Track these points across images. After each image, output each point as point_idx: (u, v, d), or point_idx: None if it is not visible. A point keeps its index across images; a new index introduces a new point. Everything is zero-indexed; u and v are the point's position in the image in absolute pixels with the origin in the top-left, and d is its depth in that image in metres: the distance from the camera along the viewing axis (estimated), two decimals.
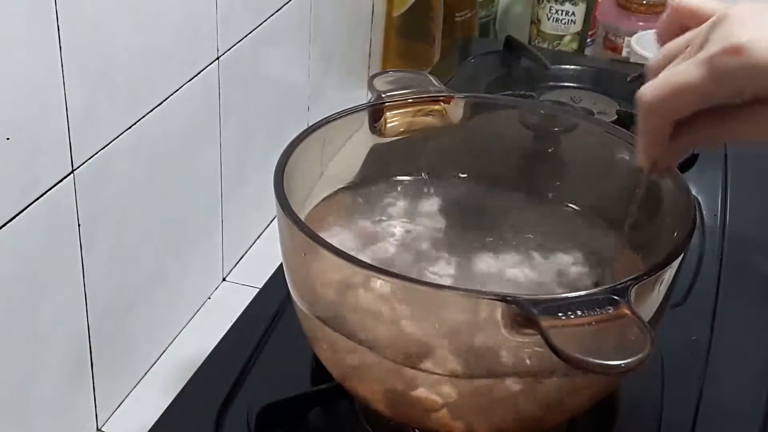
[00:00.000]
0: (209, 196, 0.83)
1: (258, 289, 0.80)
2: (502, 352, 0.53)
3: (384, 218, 0.68)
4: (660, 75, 0.50)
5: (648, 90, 0.50)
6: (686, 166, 0.93)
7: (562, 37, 1.25)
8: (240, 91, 0.84)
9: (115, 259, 0.70)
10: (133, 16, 0.66)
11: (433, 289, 0.54)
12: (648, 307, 0.54)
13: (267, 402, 0.65)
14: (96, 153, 0.65)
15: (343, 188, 0.70)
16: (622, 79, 1.03)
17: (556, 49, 1.25)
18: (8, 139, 0.56)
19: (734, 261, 0.83)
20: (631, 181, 0.66)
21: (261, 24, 0.85)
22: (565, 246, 0.66)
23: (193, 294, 0.84)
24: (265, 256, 0.91)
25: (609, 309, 0.48)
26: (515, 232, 0.67)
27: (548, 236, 0.66)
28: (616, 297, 0.49)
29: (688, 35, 0.51)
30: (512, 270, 0.64)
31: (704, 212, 0.89)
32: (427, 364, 0.54)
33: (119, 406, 0.75)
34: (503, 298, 0.50)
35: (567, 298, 0.49)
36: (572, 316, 0.48)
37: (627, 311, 0.48)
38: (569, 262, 0.64)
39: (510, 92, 1.03)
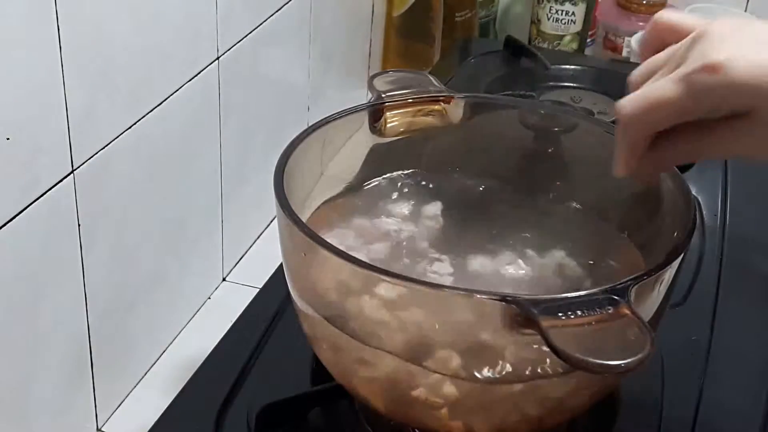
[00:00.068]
0: (209, 196, 0.83)
1: (258, 289, 0.80)
2: (502, 352, 0.53)
3: (384, 218, 0.68)
4: (639, 89, 0.51)
5: (626, 103, 0.51)
6: (686, 166, 0.93)
7: (562, 37, 1.25)
8: (240, 91, 0.84)
9: (115, 259, 0.70)
10: (133, 16, 0.66)
11: (433, 289, 0.54)
12: (648, 307, 0.54)
13: (267, 402, 0.65)
14: (96, 153, 0.65)
15: (343, 188, 0.70)
16: (622, 79, 1.02)
17: (556, 49, 1.25)
18: (8, 139, 0.56)
19: (734, 261, 0.83)
20: (630, 181, 0.66)
21: (261, 24, 0.85)
22: (565, 246, 0.66)
23: (193, 294, 0.84)
24: (265, 256, 0.91)
25: (609, 309, 0.48)
26: (515, 232, 0.67)
27: (548, 236, 0.66)
28: (616, 297, 0.49)
29: (668, 51, 0.52)
30: (512, 270, 0.64)
31: (704, 212, 0.89)
32: (427, 364, 0.54)
33: (119, 406, 0.75)
34: (503, 298, 0.50)
35: (567, 298, 0.49)
36: (572, 316, 0.48)
37: (627, 311, 0.48)
38: (569, 262, 0.64)
39: (510, 92, 1.03)
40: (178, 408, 0.68)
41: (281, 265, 0.62)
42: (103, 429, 0.73)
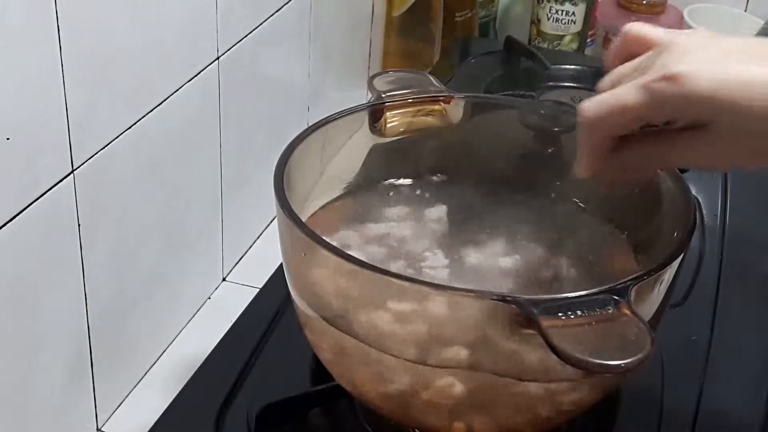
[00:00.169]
0: (209, 196, 0.83)
1: (258, 289, 0.80)
2: (502, 352, 0.53)
3: (384, 218, 0.68)
4: (602, 94, 0.52)
5: (589, 106, 0.53)
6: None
7: (562, 37, 1.25)
8: (240, 91, 0.84)
9: (115, 259, 0.70)
10: (133, 16, 0.66)
11: (433, 289, 0.54)
12: (648, 307, 0.54)
13: (267, 402, 0.65)
14: (96, 153, 0.65)
15: (343, 188, 0.70)
16: None
17: (556, 49, 1.25)
18: (8, 139, 0.56)
19: (734, 261, 0.83)
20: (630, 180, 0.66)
21: (261, 24, 0.85)
22: (566, 246, 0.66)
23: (193, 294, 0.84)
24: (265, 256, 0.91)
25: (609, 309, 0.48)
26: (515, 233, 0.67)
27: (548, 236, 0.66)
28: (616, 297, 0.49)
29: (635, 60, 0.53)
30: (512, 270, 0.64)
31: (704, 212, 0.89)
32: (427, 364, 0.54)
33: (119, 406, 0.75)
34: (503, 298, 0.50)
35: (567, 298, 0.49)
36: (572, 316, 0.48)
37: (627, 311, 0.48)
38: (569, 262, 0.64)
39: (510, 92, 1.03)
40: (178, 408, 0.68)
41: (281, 265, 0.62)
42: (103, 429, 0.73)
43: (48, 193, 0.61)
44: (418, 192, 0.71)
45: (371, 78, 0.71)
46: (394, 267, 0.63)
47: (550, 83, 1.08)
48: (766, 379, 0.71)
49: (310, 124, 0.66)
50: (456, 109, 0.70)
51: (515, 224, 0.67)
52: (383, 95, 0.69)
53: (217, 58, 0.79)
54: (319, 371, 0.64)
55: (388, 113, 0.68)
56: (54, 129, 0.61)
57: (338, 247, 0.56)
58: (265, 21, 0.86)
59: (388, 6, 1.17)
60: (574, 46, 1.25)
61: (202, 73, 0.77)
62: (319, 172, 0.68)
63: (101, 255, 0.68)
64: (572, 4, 1.23)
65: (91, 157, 0.65)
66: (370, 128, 0.69)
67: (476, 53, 1.19)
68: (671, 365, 0.70)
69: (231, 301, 0.83)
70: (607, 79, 0.54)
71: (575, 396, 0.57)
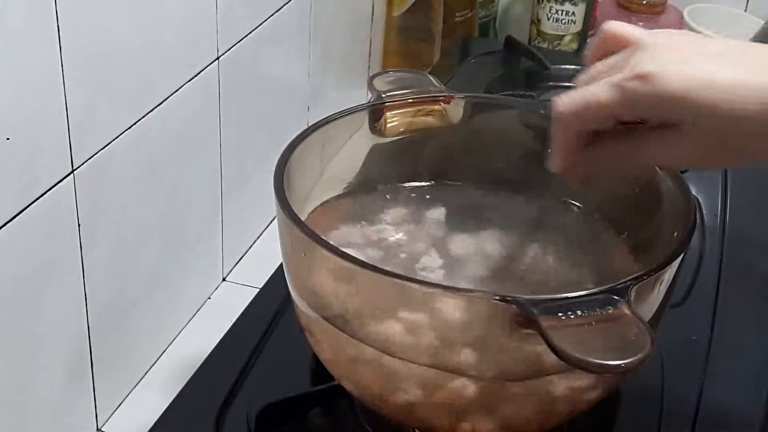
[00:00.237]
0: (209, 196, 0.83)
1: (258, 289, 0.80)
2: (502, 352, 0.53)
3: (384, 218, 0.68)
4: (577, 90, 0.54)
5: (562, 101, 0.54)
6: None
7: (562, 37, 1.25)
8: (240, 91, 0.84)
9: (115, 259, 0.70)
10: (133, 16, 0.66)
11: (433, 289, 0.54)
12: (648, 307, 0.54)
13: (267, 402, 0.65)
14: (96, 153, 0.65)
15: (343, 188, 0.70)
16: None
17: (556, 49, 1.25)
18: (8, 139, 0.56)
19: (734, 261, 0.83)
20: (630, 180, 0.66)
21: (261, 24, 0.85)
22: (565, 246, 0.66)
23: (193, 294, 0.84)
24: (265, 256, 0.91)
25: (609, 309, 0.48)
26: (515, 233, 0.67)
27: (548, 236, 0.66)
28: (616, 297, 0.49)
29: (612, 58, 0.54)
30: (512, 269, 0.64)
31: (704, 212, 0.89)
32: (427, 364, 0.54)
33: (119, 406, 0.75)
34: (503, 298, 0.50)
35: (567, 298, 0.49)
36: (572, 316, 0.48)
37: (627, 311, 0.48)
38: (569, 262, 0.64)
39: (510, 92, 1.03)
40: (178, 408, 0.68)
41: (281, 265, 0.62)
42: (103, 429, 0.73)
43: (48, 193, 0.61)
44: (417, 192, 0.71)
45: (371, 78, 0.71)
46: (395, 267, 0.63)
47: (550, 83, 1.08)
48: (766, 379, 0.71)
49: (310, 124, 0.66)
50: (456, 109, 0.70)
51: (515, 224, 0.67)
52: (383, 95, 0.69)
53: (217, 58, 0.79)
54: (319, 371, 0.64)
55: (388, 113, 0.68)
56: (54, 129, 0.61)
57: (338, 247, 0.56)
58: (265, 21, 0.86)
59: (388, 6, 1.17)
60: (574, 46, 1.25)
61: (202, 73, 0.77)
62: (319, 172, 0.68)
63: (101, 255, 0.68)
64: (572, 4, 1.23)
65: (91, 157, 0.65)
66: (370, 128, 0.69)
67: (476, 53, 1.19)
68: (671, 365, 0.70)
69: (231, 301, 0.83)
70: (584, 76, 0.55)
71: (575, 396, 0.57)
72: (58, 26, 0.58)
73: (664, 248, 0.57)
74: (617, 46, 0.54)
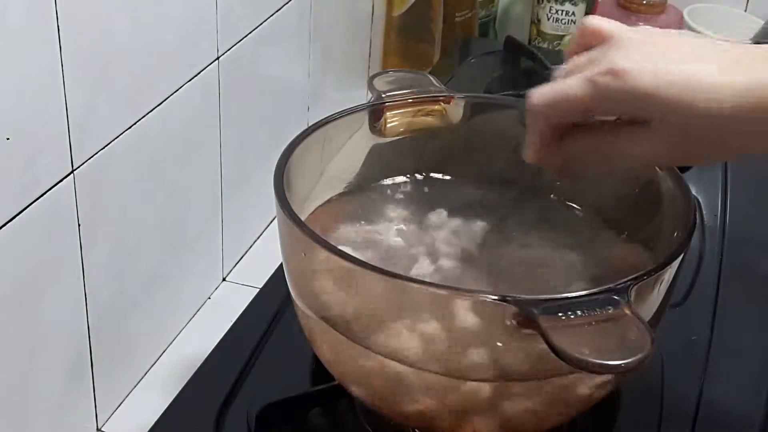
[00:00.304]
0: (209, 196, 0.83)
1: (258, 289, 0.80)
2: (502, 352, 0.53)
3: (384, 218, 0.68)
4: (551, 83, 0.55)
5: (536, 94, 0.55)
6: (686, 166, 0.93)
7: (562, 37, 1.25)
8: (240, 91, 0.84)
9: (115, 259, 0.70)
10: (133, 16, 0.66)
11: (433, 289, 0.54)
12: (648, 307, 0.54)
13: (267, 402, 0.65)
14: (96, 153, 0.65)
15: (343, 188, 0.70)
16: None
17: (556, 49, 1.25)
18: (8, 139, 0.56)
19: (734, 261, 0.83)
20: (630, 180, 0.66)
21: (261, 24, 0.85)
22: (565, 246, 0.66)
23: (193, 294, 0.84)
24: (265, 256, 0.91)
25: (609, 309, 0.48)
26: (515, 233, 0.67)
27: (548, 236, 0.66)
28: (616, 297, 0.49)
29: (590, 53, 0.54)
30: (512, 270, 0.64)
31: (704, 212, 0.89)
32: (427, 365, 0.54)
33: (119, 406, 0.75)
34: (503, 298, 0.50)
35: (567, 298, 0.49)
36: (572, 316, 0.48)
37: (627, 311, 0.48)
38: (569, 262, 0.64)
39: (510, 92, 1.03)
40: (178, 408, 0.68)
41: (281, 265, 0.62)
42: (103, 429, 0.73)
43: (48, 193, 0.61)
44: (417, 192, 0.71)
45: (371, 78, 0.71)
46: (395, 267, 0.63)
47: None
48: (766, 379, 0.71)
49: (310, 124, 0.66)
50: (456, 109, 0.70)
51: (515, 224, 0.67)
52: (383, 95, 0.69)
53: (217, 58, 0.79)
54: (319, 371, 0.64)
55: (388, 113, 0.68)
56: (54, 129, 0.61)
57: (338, 247, 0.56)
58: (265, 21, 0.86)
59: (388, 6, 1.17)
60: None
61: (202, 73, 0.77)
62: (319, 172, 0.68)
63: (101, 255, 0.68)
64: (572, 4, 1.23)
65: (91, 157, 0.65)
66: (370, 128, 0.69)
67: (476, 53, 1.19)
68: (671, 365, 0.70)
69: (231, 301, 0.83)
70: (560, 70, 0.56)
71: (575, 396, 0.57)
72: (58, 26, 0.58)
73: (664, 248, 0.57)
74: (595, 40, 0.55)
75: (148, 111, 0.70)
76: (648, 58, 0.51)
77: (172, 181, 0.76)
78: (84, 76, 0.62)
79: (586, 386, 0.56)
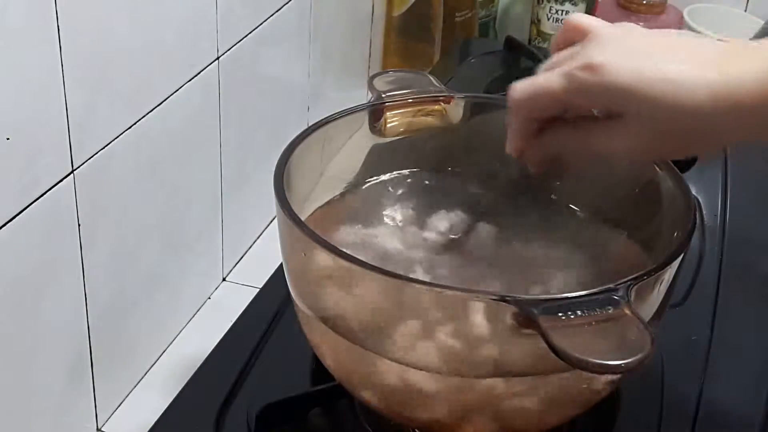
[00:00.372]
0: (209, 196, 0.83)
1: (258, 289, 0.80)
2: (502, 352, 0.53)
3: (384, 218, 0.68)
4: (531, 78, 0.56)
5: (516, 88, 0.56)
6: (686, 166, 0.93)
7: None
8: (240, 91, 0.84)
9: (115, 259, 0.70)
10: (133, 16, 0.66)
11: (433, 289, 0.54)
12: (648, 307, 0.54)
13: (267, 402, 0.65)
14: (96, 153, 0.65)
15: (343, 188, 0.70)
16: None
17: None
18: (8, 139, 0.56)
19: (734, 261, 0.83)
20: (631, 179, 0.66)
21: (261, 24, 0.85)
22: (566, 246, 0.66)
23: (193, 294, 0.84)
24: (265, 256, 0.91)
25: (609, 309, 0.48)
26: (515, 233, 0.67)
27: (548, 236, 0.66)
28: (616, 297, 0.49)
29: (572, 49, 0.56)
30: (512, 270, 0.64)
31: (704, 212, 0.89)
32: (427, 365, 0.54)
33: (119, 406, 0.75)
34: (503, 298, 0.50)
35: (567, 298, 0.49)
36: (572, 316, 0.48)
37: (627, 311, 0.48)
38: (569, 262, 0.64)
39: None
40: (178, 408, 0.68)
41: (281, 265, 0.62)
42: (103, 429, 0.73)
43: (48, 193, 0.61)
44: (417, 192, 0.71)
45: (371, 78, 0.71)
46: (395, 267, 0.63)
47: None
48: (766, 379, 0.71)
49: (310, 124, 0.66)
50: (456, 109, 0.70)
51: (515, 224, 0.67)
52: (383, 95, 0.69)
53: (217, 58, 0.79)
54: (319, 371, 0.64)
55: (388, 113, 0.68)
56: (54, 129, 0.61)
57: (338, 247, 0.56)
58: (265, 21, 0.86)
59: (388, 6, 1.17)
60: None
61: (202, 73, 0.77)
62: (319, 172, 0.68)
63: (101, 255, 0.68)
64: (572, 4, 1.23)
65: (91, 157, 0.65)
66: (370, 128, 0.69)
67: (476, 53, 1.19)
68: (671, 365, 0.70)
69: (231, 301, 0.83)
70: (544, 65, 0.57)
71: (575, 396, 0.57)
72: (58, 26, 0.58)
73: (664, 248, 0.57)
74: (578, 36, 0.56)
75: (148, 111, 0.70)
76: (625, 53, 0.52)
77: (172, 181, 0.76)
78: (84, 76, 0.62)
79: (586, 386, 0.57)
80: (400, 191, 0.70)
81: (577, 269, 0.64)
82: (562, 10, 1.23)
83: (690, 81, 0.50)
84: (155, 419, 0.67)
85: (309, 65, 0.98)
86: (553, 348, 0.46)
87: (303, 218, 0.60)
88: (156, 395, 0.74)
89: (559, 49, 0.57)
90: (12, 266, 0.59)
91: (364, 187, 0.70)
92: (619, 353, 0.46)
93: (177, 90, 0.74)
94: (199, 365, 0.72)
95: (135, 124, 0.69)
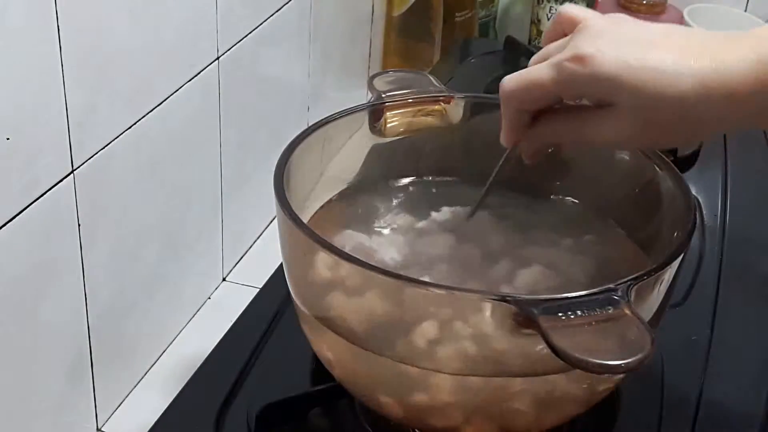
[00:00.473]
0: (209, 196, 0.83)
1: (258, 289, 0.80)
2: (502, 352, 0.53)
3: (383, 218, 0.68)
4: (522, 70, 0.57)
5: (507, 81, 0.57)
6: (686, 166, 0.93)
7: None
8: (240, 91, 0.84)
9: (115, 259, 0.70)
10: (133, 16, 0.66)
11: (433, 289, 0.54)
12: (648, 307, 0.54)
13: (267, 402, 0.65)
14: (96, 153, 0.65)
15: (343, 188, 0.70)
16: None
17: None
18: (8, 139, 0.56)
19: (734, 261, 0.83)
20: (631, 179, 0.66)
21: (261, 24, 0.85)
22: (566, 245, 0.66)
23: (193, 294, 0.84)
24: (265, 256, 0.91)
25: (609, 309, 0.48)
26: (515, 233, 0.67)
27: (548, 236, 0.66)
28: (616, 297, 0.49)
29: (561, 40, 0.56)
30: (512, 270, 0.64)
31: (704, 212, 0.89)
32: (427, 365, 0.54)
33: (119, 406, 0.75)
34: (503, 298, 0.50)
35: (567, 298, 0.49)
36: (572, 316, 0.48)
37: (627, 311, 0.48)
38: (569, 262, 0.64)
39: None
40: (178, 408, 0.68)
41: (281, 265, 0.62)
42: (103, 429, 0.73)
43: (48, 193, 0.61)
44: (417, 192, 0.71)
45: (371, 78, 0.71)
46: (395, 267, 0.63)
47: None
48: (766, 379, 0.71)
49: (310, 124, 0.66)
50: (456, 109, 0.70)
51: (515, 224, 0.67)
52: (383, 95, 0.69)
53: (217, 58, 0.79)
54: (319, 371, 0.64)
55: (388, 113, 0.68)
56: (54, 129, 0.61)
57: (338, 247, 0.56)
58: (265, 21, 0.86)
59: (388, 6, 1.17)
60: None
61: (202, 73, 0.77)
62: (319, 172, 0.68)
63: (101, 255, 0.68)
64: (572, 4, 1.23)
65: (91, 157, 0.65)
66: (370, 128, 0.69)
67: (476, 53, 1.19)
68: (671, 365, 0.70)
69: (231, 301, 0.83)
70: (536, 56, 0.58)
71: (575, 396, 0.57)
72: (58, 26, 0.58)
73: (664, 248, 0.57)
74: (570, 27, 0.56)
75: (148, 111, 0.70)
76: (613, 44, 0.52)
77: (172, 181, 0.76)
78: (84, 76, 0.62)
79: (586, 386, 0.57)
80: (399, 191, 0.70)
81: (577, 269, 0.64)
82: None
83: (673, 69, 0.51)
84: (155, 419, 0.67)
85: (309, 65, 0.98)
86: (553, 348, 0.46)
87: (303, 218, 0.60)
88: (156, 395, 0.74)
89: (551, 40, 0.57)
90: (12, 266, 0.59)
91: (364, 187, 0.70)
92: (619, 353, 0.46)
93: (177, 90, 0.74)
94: (199, 365, 0.71)
95: (135, 124, 0.69)
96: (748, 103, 0.51)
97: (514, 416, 0.57)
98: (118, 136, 0.67)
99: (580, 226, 0.68)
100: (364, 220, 0.68)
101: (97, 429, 0.73)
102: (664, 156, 0.64)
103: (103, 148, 0.66)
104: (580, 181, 0.69)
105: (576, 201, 0.69)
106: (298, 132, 0.65)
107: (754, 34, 0.52)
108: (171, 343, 0.81)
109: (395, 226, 0.68)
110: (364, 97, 1.06)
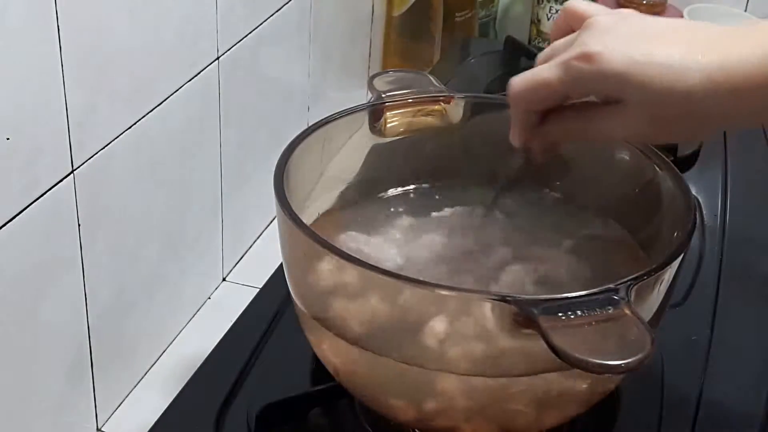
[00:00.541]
0: (209, 196, 0.83)
1: (258, 289, 0.80)
2: (502, 352, 0.53)
3: (383, 218, 0.68)
4: (529, 70, 0.56)
5: (515, 81, 0.56)
6: (686, 166, 0.93)
7: None
8: (240, 91, 0.84)
9: (115, 259, 0.70)
10: (133, 16, 0.66)
11: (433, 289, 0.54)
12: (648, 307, 0.54)
13: (267, 402, 0.65)
14: (96, 153, 0.65)
15: (343, 188, 0.70)
16: None
17: None
18: (8, 139, 0.56)
19: (734, 261, 0.83)
20: (631, 179, 0.66)
21: (261, 24, 0.85)
22: (565, 245, 0.66)
23: (193, 294, 0.84)
24: (265, 256, 0.91)
25: (609, 309, 0.48)
26: (515, 233, 0.67)
27: (548, 236, 0.66)
28: (616, 297, 0.49)
29: (569, 37, 0.56)
30: (513, 270, 0.64)
31: (704, 212, 0.89)
32: (427, 365, 0.54)
33: (119, 406, 0.75)
34: (503, 298, 0.50)
35: (567, 298, 0.49)
36: (572, 316, 0.48)
37: (627, 311, 0.48)
38: (570, 262, 0.64)
39: None
40: (178, 408, 0.68)
41: (281, 265, 0.62)
42: (103, 429, 0.73)
43: (48, 192, 0.61)
44: (417, 192, 0.71)
45: (371, 78, 0.71)
46: (395, 268, 0.63)
47: None
48: (766, 379, 0.71)
49: (310, 124, 0.66)
50: (456, 109, 0.70)
51: (515, 224, 0.67)
52: (383, 95, 0.69)
53: (217, 58, 0.79)
54: (319, 371, 0.64)
55: (388, 113, 0.68)
56: (54, 129, 0.61)
57: (338, 247, 0.56)
58: (265, 21, 0.86)
59: (388, 6, 1.17)
60: None
61: (202, 73, 0.77)
62: (319, 172, 0.68)
63: (101, 255, 0.68)
64: None
65: (91, 157, 0.65)
66: (370, 128, 0.69)
67: (476, 53, 1.19)
68: (671, 365, 0.70)
69: (231, 301, 0.83)
70: (542, 54, 0.57)
71: (575, 396, 0.57)
72: (58, 26, 0.58)
73: (664, 248, 0.57)
74: (576, 23, 0.56)
75: (148, 111, 0.70)
76: (620, 40, 0.52)
77: (172, 181, 0.76)
78: (84, 76, 0.62)
79: (586, 386, 0.57)
80: (399, 191, 0.70)
81: (577, 269, 0.64)
82: None
83: (680, 64, 0.51)
84: (155, 419, 0.67)
85: (309, 65, 0.98)
86: (553, 348, 0.46)
87: (303, 219, 0.60)
88: (156, 395, 0.74)
89: (558, 37, 0.57)
90: (12, 266, 0.59)
91: (363, 187, 0.70)
92: (619, 353, 0.46)
93: (177, 90, 0.74)
94: (199, 365, 0.71)
95: (135, 124, 0.69)
96: (755, 98, 0.51)
97: (515, 416, 0.57)
98: (118, 136, 0.67)
99: (580, 226, 0.68)
100: (364, 220, 0.68)
101: (97, 429, 0.73)
102: (664, 156, 0.64)
103: (103, 148, 0.66)
104: (580, 181, 0.69)
105: (576, 200, 0.69)
106: (298, 132, 0.65)
107: (762, 29, 0.52)
108: (171, 343, 0.81)
109: (395, 226, 0.68)
110: (364, 97, 1.06)
